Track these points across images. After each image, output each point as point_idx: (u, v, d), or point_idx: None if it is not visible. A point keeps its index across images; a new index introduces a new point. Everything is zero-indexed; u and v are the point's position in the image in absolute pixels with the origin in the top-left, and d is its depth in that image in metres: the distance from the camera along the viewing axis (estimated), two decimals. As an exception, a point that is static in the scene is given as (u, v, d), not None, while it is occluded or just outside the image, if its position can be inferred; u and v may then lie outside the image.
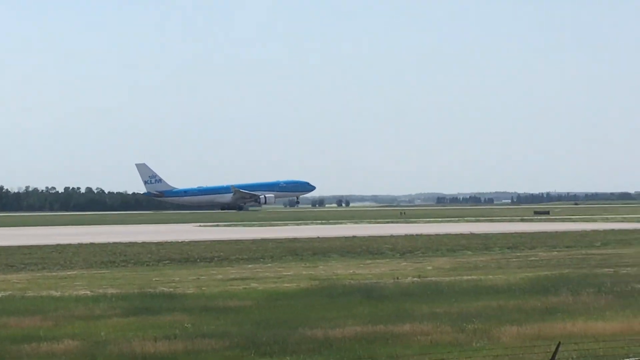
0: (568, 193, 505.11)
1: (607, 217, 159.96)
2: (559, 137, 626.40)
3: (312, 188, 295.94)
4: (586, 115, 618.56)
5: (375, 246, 77.69)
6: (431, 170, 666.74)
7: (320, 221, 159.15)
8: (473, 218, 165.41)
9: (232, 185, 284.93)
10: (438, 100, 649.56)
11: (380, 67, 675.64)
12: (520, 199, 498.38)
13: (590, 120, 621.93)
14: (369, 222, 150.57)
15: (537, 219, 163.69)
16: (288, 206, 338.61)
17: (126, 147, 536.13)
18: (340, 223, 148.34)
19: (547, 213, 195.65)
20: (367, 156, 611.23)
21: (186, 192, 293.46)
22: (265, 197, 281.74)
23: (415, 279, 48.20)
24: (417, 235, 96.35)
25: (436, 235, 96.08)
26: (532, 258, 63.27)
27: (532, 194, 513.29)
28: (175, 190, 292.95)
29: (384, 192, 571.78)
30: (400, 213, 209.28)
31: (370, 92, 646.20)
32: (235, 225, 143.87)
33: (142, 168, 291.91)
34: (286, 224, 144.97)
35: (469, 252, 70.73)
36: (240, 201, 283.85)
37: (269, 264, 61.51)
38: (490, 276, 48.66)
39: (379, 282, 46.72)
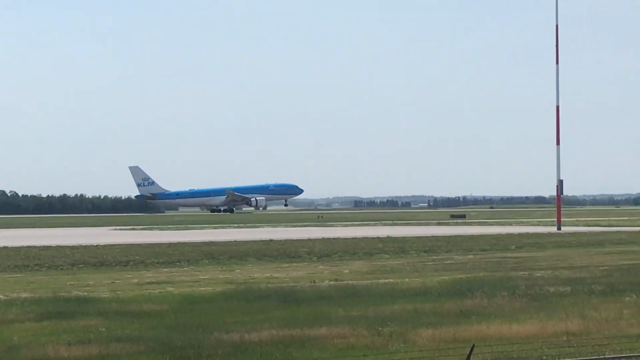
0: (484, 197, 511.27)
1: (522, 221, 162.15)
2: (475, 141, 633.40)
3: (300, 191, 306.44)
4: (500, 120, 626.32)
5: (293, 249, 77.63)
6: (348, 174, 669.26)
7: (237, 224, 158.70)
8: (390, 221, 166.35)
9: (227, 188, 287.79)
10: (354, 103, 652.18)
11: (293, 68, 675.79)
12: (437, 203, 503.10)
13: (504, 124, 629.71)
14: (287, 226, 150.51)
15: (453, 222, 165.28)
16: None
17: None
18: (258, 226, 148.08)
19: (464, 217, 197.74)
20: (284, 160, 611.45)
21: (178, 195, 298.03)
22: (256, 199, 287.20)
23: (332, 282, 48.23)
24: (334, 238, 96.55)
25: (353, 238, 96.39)
26: (448, 261, 63.79)
27: (448, 198, 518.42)
28: (167, 192, 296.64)
29: (301, 195, 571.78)
30: (318, 216, 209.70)
31: (283, 95, 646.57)
32: (152, 229, 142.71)
33: (135, 171, 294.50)
34: (203, 228, 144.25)
35: (386, 256, 71.05)
36: (232, 204, 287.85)
37: (185, 268, 61.09)
38: (407, 279, 48.93)
39: (296, 285, 46.65)
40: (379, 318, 33.20)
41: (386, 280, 48.51)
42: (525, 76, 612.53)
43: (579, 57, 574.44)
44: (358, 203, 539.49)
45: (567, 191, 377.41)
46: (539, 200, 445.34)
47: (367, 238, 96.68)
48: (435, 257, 68.54)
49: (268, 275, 54.15)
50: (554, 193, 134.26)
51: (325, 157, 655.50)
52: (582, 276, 48.64)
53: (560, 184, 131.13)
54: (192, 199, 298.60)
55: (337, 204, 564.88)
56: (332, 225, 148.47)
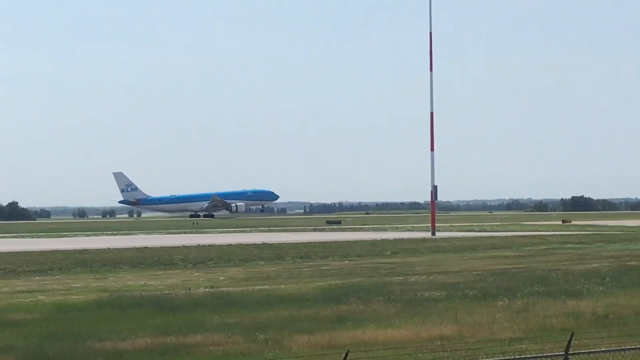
0: (360, 203, 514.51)
1: (397, 227, 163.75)
2: (350, 147, 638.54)
3: (276, 197, 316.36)
4: (374, 126, 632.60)
5: (167, 257, 76.84)
6: (224, 181, 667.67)
7: (111, 232, 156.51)
8: (266, 228, 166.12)
9: (212, 194, 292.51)
10: (224, 107, 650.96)
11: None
12: (313, 209, 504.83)
13: (379, 130, 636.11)
14: (161, 233, 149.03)
15: (329, 228, 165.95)
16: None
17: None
18: (132, 234, 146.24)
19: (339, 222, 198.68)
20: (152, 165, 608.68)
21: (160, 200, 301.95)
22: (236, 205, 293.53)
23: (207, 289, 47.89)
24: (209, 245, 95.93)
25: (229, 245, 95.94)
26: (324, 267, 63.98)
27: (324, 204, 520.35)
28: (150, 198, 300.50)
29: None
30: (193, 223, 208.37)
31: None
32: (23, 237, 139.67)
33: (119, 177, 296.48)
34: (76, 235, 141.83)
35: (262, 262, 70.92)
36: (212, 209, 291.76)
37: (57, 276, 59.91)
38: (283, 286, 48.86)
39: (171, 293, 46.15)
40: (254, 325, 33.04)
41: (262, 287, 48.37)
42: (401, 82, 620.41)
43: (454, 64, 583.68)
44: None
45: (442, 197, 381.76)
46: (414, 206, 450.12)
47: (242, 245, 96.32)
48: (311, 263, 68.68)
49: (142, 283, 53.46)
50: (429, 199, 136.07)
51: (194, 163, 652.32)
52: (456, 281, 49.29)
53: (434, 190, 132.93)
54: (173, 204, 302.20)
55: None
56: (207, 232, 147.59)
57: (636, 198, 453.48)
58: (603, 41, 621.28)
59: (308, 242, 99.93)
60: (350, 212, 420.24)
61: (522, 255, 72.53)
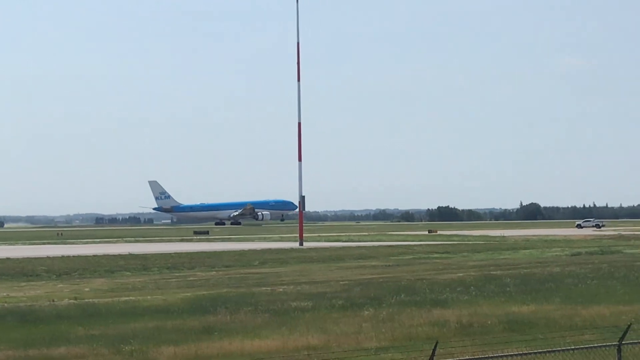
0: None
1: (265, 237, 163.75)
2: (219, 157, 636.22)
3: (295, 207, 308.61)
4: (242, 136, 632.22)
5: (30, 268, 75.16)
6: (89, 190, 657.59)
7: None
8: (132, 238, 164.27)
9: (247, 203, 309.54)
10: (104, 115, 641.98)
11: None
12: (181, 220, 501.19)
13: (246, 140, 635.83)
14: (24, 244, 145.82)
15: (196, 239, 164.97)
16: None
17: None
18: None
19: (207, 233, 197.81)
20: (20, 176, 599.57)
21: (192, 208, 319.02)
22: (262, 214, 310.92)
23: (71, 300, 46.98)
24: (74, 256, 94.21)
25: (94, 256, 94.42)
26: (191, 278, 63.49)
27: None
28: (182, 206, 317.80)
29: (40, 212, 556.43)
30: (57, 234, 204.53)
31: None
32: None
33: (154, 185, 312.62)
34: None
35: (128, 273, 70.01)
36: (240, 217, 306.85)
37: None
38: (149, 297, 48.27)
39: (34, 304, 45.11)
40: (119, 336, 32.51)
41: (127, 298, 47.69)
42: (269, 92, 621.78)
43: (322, 75, 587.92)
44: (99, 220, 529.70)
45: (309, 207, 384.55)
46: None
47: (108, 255, 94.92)
48: (178, 274, 68.12)
49: (4, 294, 52.13)
50: (296, 209, 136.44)
51: (64, 172, 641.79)
52: (323, 291, 49.46)
53: (302, 200, 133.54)
54: (203, 212, 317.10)
55: (77, 221, 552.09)
56: (72, 243, 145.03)
57: (500, 208, 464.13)
58: (459, 52, 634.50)
59: (175, 253, 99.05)
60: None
61: (389, 265, 73.29)
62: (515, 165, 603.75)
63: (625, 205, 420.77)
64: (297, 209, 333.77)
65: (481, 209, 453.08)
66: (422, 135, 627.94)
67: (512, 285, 49.82)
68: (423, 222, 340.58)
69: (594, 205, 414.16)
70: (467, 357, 19.66)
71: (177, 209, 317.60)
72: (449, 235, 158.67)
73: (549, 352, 20.10)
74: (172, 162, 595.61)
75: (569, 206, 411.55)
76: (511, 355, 19.81)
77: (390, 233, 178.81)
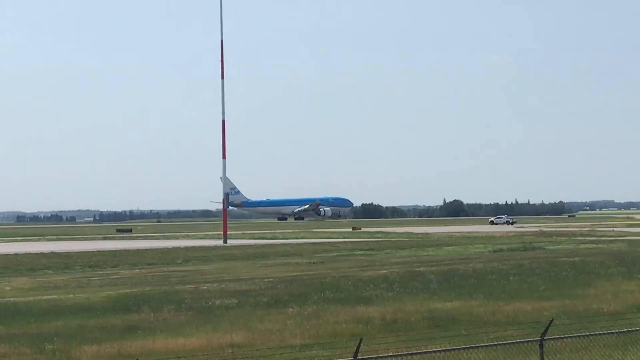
0: (151, 211, 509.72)
1: (188, 234, 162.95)
2: (140, 154, 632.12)
3: (352, 204, 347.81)
4: (166, 134, 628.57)
5: (-50, 267, 73.86)
6: (10, 188, 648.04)
7: None
8: (54, 236, 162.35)
9: (317, 199, 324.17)
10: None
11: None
12: (103, 217, 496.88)
13: (171, 137, 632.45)
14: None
15: (120, 236, 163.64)
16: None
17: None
18: None
19: (130, 231, 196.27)
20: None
21: (259, 203, 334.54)
22: (324, 210, 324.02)
23: (-8, 300, 46.23)
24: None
25: (15, 254, 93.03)
26: (114, 276, 62.91)
27: (115, 212, 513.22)
28: (250, 201, 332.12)
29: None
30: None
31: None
32: None
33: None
34: None
35: (50, 272, 69.15)
36: (304, 213, 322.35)
37: None
38: (71, 295, 47.72)
39: (-47, 304, 44.30)
40: (42, 335, 32.10)
41: (49, 297, 47.08)
42: (193, 90, 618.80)
43: (247, 72, 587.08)
44: (20, 218, 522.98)
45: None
46: (206, 214, 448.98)
47: (29, 254, 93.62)
48: (101, 272, 67.47)
49: None
50: (221, 206, 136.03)
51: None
52: (248, 288, 49.34)
53: (226, 198, 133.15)
54: (269, 207, 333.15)
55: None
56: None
57: (424, 205, 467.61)
58: (383, 49, 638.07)
59: (98, 251, 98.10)
60: (141, 220, 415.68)
61: (313, 262, 73.35)
62: (438, 162, 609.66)
63: (546, 202, 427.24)
64: (352, 206, 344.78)
65: (405, 206, 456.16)
66: (345, 132, 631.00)
67: (436, 281, 50.18)
68: (347, 219, 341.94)
69: (516, 202, 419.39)
70: (391, 354, 19.73)
71: (246, 204, 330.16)
72: (373, 232, 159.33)
73: (472, 348, 20.26)
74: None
75: (492, 203, 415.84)
76: (435, 352, 19.94)
77: (314, 230, 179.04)
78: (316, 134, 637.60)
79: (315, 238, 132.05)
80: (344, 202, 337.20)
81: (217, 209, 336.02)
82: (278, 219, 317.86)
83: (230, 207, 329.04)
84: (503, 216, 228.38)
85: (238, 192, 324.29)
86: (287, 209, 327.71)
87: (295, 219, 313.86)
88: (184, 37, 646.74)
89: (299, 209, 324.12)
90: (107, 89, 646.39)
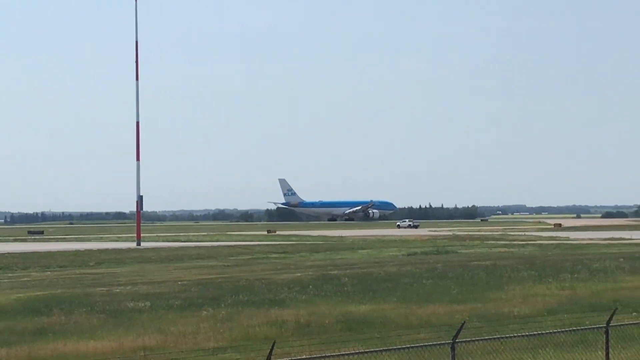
0: (63, 213, 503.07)
1: (102, 237, 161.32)
2: (50, 155, 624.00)
3: (395, 207, 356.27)
4: (80, 135, 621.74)
5: None
6: None
7: None
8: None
9: (371, 201, 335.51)
10: None
11: None
12: (15, 219, 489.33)
13: (84, 139, 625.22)
14: None
15: (31, 239, 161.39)
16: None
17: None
18: None
19: (42, 233, 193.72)
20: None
21: (313, 205, 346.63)
22: (373, 212, 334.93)
23: None
24: None
25: None
26: (25, 278, 61.98)
27: (26, 214, 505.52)
28: (304, 202, 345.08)
29: None
30: None
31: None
32: None
33: (282, 183, 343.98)
34: None
35: (-42, 274, 67.83)
36: (353, 214, 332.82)
37: None
38: (-20, 298, 46.84)
39: None
40: (-52, 339, 31.43)
41: (-42, 299, 46.16)
42: (107, 91, 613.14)
43: (162, 74, 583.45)
44: None
45: (148, 207, 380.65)
46: (120, 216, 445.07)
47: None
48: (11, 275, 66.42)
49: None
50: (134, 209, 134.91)
51: None
52: (161, 291, 48.99)
53: (140, 200, 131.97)
54: (322, 208, 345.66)
55: None
56: None
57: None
58: (294, 53, 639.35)
59: (8, 253, 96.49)
60: (53, 222, 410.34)
61: (227, 265, 73.15)
62: (355, 165, 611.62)
63: (460, 206, 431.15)
64: (396, 209, 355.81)
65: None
66: (259, 135, 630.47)
67: (350, 284, 50.36)
68: (262, 223, 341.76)
69: (430, 206, 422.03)
70: (304, 357, 19.72)
71: (302, 204, 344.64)
72: (287, 235, 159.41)
73: (385, 350, 20.35)
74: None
75: (406, 207, 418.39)
76: (348, 355, 19.98)
77: (229, 233, 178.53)
78: (229, 137, 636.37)
79: (230, 241, 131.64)
80: (388, 206, 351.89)
81: (130, 211, 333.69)
82: (328, 220, 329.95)
83: (281, 206, 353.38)
84: (407, 220, 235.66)
85: (294, 194, 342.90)
86: (338, 211, 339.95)
87: (345, 220, 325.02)
88: (99, 38, 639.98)
89: (349, 210, 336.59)
90: (20, 89, 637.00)
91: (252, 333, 32.51)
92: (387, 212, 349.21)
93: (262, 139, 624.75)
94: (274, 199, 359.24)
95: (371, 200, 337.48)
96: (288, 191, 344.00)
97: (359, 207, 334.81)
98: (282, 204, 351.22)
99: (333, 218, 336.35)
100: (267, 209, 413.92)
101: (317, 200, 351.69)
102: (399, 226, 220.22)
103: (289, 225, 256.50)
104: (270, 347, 17.74)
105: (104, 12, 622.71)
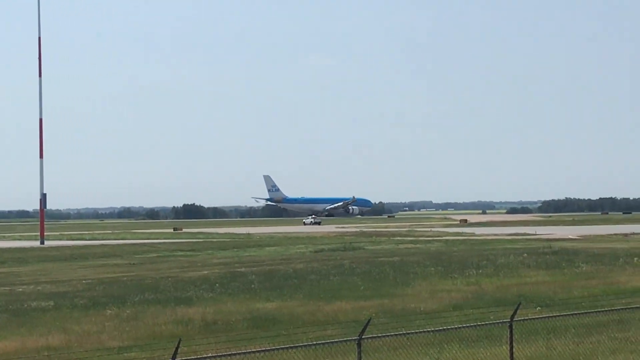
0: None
1: (4, 236, 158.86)
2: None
3: (372, 204, 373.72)
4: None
5: None
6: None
7: None
8: None
9: (353, 196, 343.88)
10: None
11: None
12: None
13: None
14: None
15: None
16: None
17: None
18: None
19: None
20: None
21: (296, 200, 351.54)
22: (352, 209, 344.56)
23: None
24: None
25: None
26: None
27: None
28: (287, 198, 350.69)
29: None
30: None
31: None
32: None
33: (267, 179, 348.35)
34: None
35: None
36: (333, 210, 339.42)
37: None
38: None
39: None
40: None
41: None
42: (9, 87, 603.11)
43: (67, 71, 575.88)
44: None
45: (52, 205, 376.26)
46: (23, 215, 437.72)
47: None
48: None
49: None
50: (38, 207, 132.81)
51: None
52: (65, 290, 48.30)
53: (43, 198, 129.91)
54: (303, 204, 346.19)
55: None
56: None
57: (246, 206, 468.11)
58: (200, 50, 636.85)
59: None
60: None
61: (133, 264, 72.45)
62: (258, 163, 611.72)
63: (259, 203, 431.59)
64: (372, 206, 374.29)
65: (227, 207, 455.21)
66: (165, 134, 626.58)
67: (257, 282, 50.26)
68: (168, 220, 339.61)
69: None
70: (210, 354, 19.54)
71: (286, 200, 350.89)
72: (194, 232, 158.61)
73: (291, 347, 20.27)
74: None
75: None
76: (254, 352, 19.86)
77: (135, 231, 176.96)
78: (135, 135, 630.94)
79: (135, 239, 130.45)
80: (366, 203, 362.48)
81: (34, 210, 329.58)
82: (309, 215, 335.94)
83: (269, 203, 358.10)
84: (310, 217, 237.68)
85: (278, 190, 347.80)
86: (319, 207, 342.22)
87: (326, 215, 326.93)
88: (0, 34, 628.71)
89: (330, 207, 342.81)
90: None
91: (158, 332, 32.19)
92: (365, 209, 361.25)
93: (168, 137, 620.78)
94: (180, 198, 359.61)
95: (353, 197, 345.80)
96: (272, 187, 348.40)
97: (340, 203, 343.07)
98: (267, 199, 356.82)
99: (315, 214, 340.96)
100: (174, 207, 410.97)
101: (299, 196, 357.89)
102: (304, 223, 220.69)
103: (195, 223, 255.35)
104: (175, 346, 17.53)
105: (5, 7, 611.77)
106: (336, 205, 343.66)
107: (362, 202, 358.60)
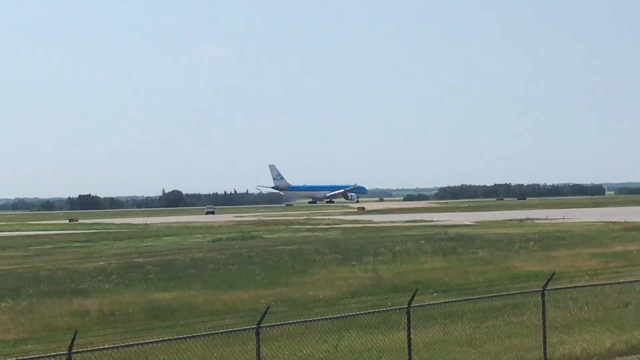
0: None
1: None
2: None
3: (366, 191, 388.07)
4: None
5: None
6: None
7: None
8: None
9: (354, 184, 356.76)
10: None
11: None
12: None
13: None
14: None
15: None
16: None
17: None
18: None
19: None
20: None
21: (299, 188, 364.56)
22: (351, 195, 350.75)
23: None
24: None
25: None
26: None
27: None
28: (291, 186, 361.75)
29: None
30: None
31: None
32: None
33: (272, 168, 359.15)
34: None
35: None
36: (333, 197, 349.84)
37: None
38: None
39: None
40: None
41: None
42: None
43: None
44: None
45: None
46: None
47: None
48: None
49: None
50: (264, 190, 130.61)
51: None
52: (-43, 283, 47.30)
53: None
54: (306, 191, 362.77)
55: None
56: None
57: (142, 196, 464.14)
58: (124, 42, 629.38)
59: None
60: None
61: (28, 255, 71.31)
62: (157, 153, 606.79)
63: (265, 191, 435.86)
64: (367, 192, 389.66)
65: (123, 197, 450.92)
66: (69, 124, 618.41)
67: (154, 272, 49.92)
68: (64, 211, 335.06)
69: (235, 191, 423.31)
70: (107, 346, 19.33)
71: (290, 188, 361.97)
72: (90, 223, 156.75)
73: (189, 337, 20.17)
74: None
75: (211, 193, 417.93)
76: (152, 342, 19.71)
77: (29, 222, 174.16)
78: (37, 125, 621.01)
79: (30, 230, 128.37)
80: (361, 190, 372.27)
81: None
82: (309, 202, 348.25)
83: (275, 190, 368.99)
84: (205, 207, 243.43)
85: (282, 178, 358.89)
86: (320, 194, 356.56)
87: (326, 202, 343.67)
88: None
89: (330, 193, 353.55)
90: None
91: (54, 324, 31.78)
92: (361, 196, 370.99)
93: (69, 128, 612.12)
94: (74, 189, 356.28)
95: (355, 184, 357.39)
96: (277, 176, 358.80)
97: (341, 190, 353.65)
98: (272, 187, 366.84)
99: (314, 201, 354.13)
100: (69, 198, 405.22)
101: (302, 184, 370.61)
102: (206, 212, 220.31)
103: (91, 214, 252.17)
104: (72, 338, 17.31)
105: None
106: (335, 192, 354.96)
107: (360, 190, 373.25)
